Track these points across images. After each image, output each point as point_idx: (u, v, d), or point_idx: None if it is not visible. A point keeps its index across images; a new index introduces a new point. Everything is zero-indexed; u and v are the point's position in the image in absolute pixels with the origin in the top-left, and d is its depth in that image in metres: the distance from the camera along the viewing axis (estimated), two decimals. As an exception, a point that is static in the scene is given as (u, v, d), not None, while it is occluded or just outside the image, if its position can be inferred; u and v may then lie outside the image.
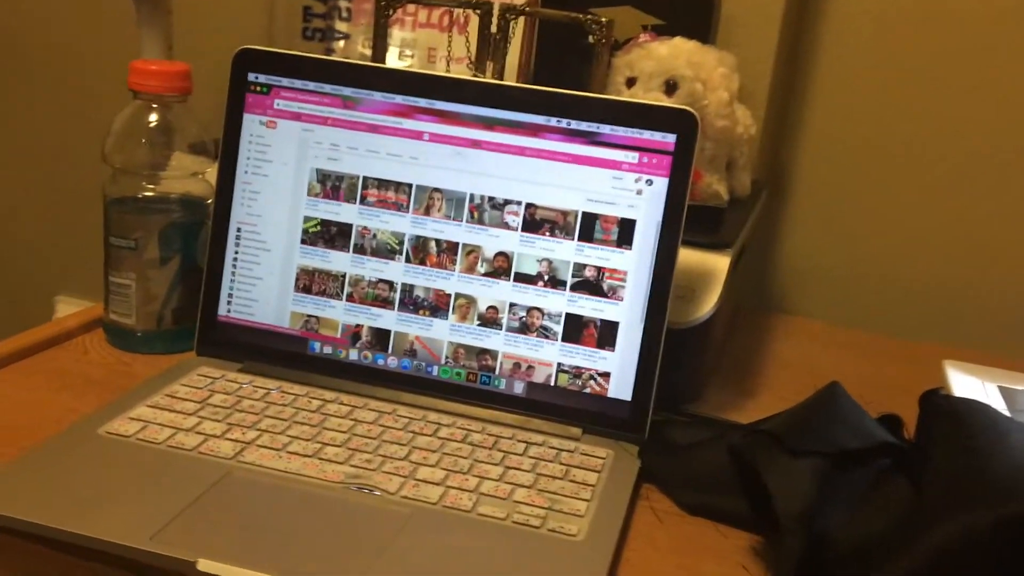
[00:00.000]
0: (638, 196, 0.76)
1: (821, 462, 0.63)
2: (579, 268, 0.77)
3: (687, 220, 0.76)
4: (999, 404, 0.80)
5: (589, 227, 0.77)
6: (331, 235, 0.81)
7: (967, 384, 0.82)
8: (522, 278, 0.78)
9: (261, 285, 0.82)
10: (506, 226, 0.78)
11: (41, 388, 0.79)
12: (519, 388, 0.79)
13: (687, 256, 0.81)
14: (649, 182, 0.76)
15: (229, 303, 0.83)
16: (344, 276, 0.81)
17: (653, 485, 0.73)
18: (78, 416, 0.73)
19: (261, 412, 0.74)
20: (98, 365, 0.84)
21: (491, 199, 0.78)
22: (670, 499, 0.72)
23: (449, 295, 0.80)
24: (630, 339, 0.76)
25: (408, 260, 0.80)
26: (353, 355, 0.81)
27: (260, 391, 0.78)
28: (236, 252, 0.83)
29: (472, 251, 0.79)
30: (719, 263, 0.82)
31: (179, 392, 0.76)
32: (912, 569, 0.56)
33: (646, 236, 0.76)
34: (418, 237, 0.80)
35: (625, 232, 0.76)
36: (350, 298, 0.81)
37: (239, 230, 0.83)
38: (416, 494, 0.66)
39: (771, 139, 1.14)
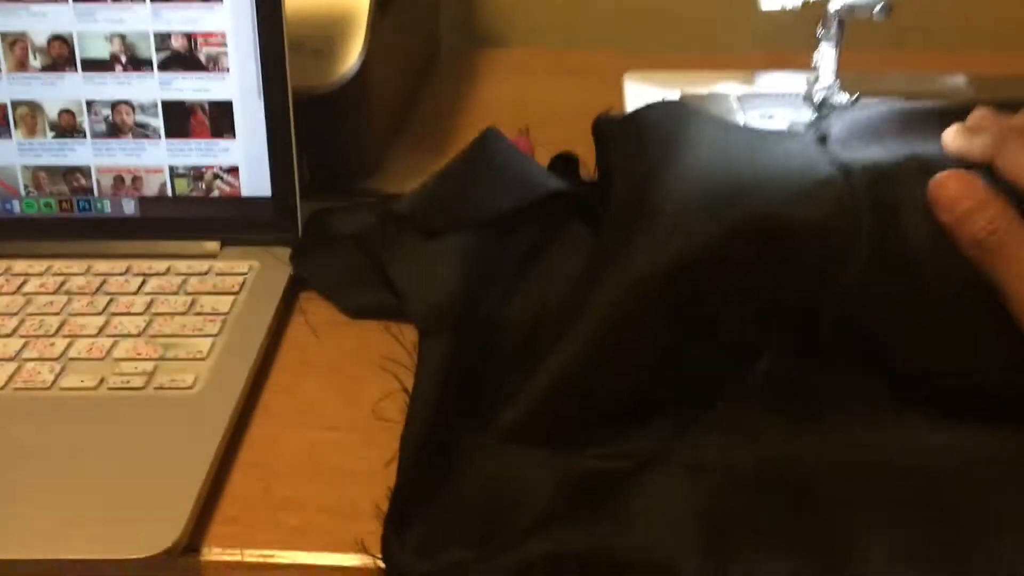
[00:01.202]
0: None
1: (466, 237, 0.51)
2: (163, 40, 0.59)
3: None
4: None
5: (163, -19, 0.58)
6: None
7: (646, 98, 0.71)
8: (93, 65, 0.59)
9: None
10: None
11: None
12: (130, 207, 0.62)
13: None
14: (224, -95, 0.57)
15: None
16: None
17: (314, 291, 0.60)
18: None
19: None
20: None
21: (21, -37, 0.57)
22: (334, 304, 0.60)
23: (4, 105, 0.60)
24: (251, 120, 0.60)
25: (-64, 67, 0.59)
26: (-98, 207, 0.62)
27: None
28: None
29: (16, 40, 0.59)
30: (359, 2, 0.65)
31: None
32: (584, 339, 0.46)
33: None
34: None
35: (211, -20, 0.58)
36: None
37: None
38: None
39: None
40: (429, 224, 0.53)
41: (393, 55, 0.75)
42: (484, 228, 0.54)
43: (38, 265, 0.59)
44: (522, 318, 0.51)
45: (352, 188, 0.70)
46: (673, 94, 0.73)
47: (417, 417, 0.47)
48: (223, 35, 0.59)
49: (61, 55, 0.59)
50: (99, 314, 0.55)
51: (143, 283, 0.58)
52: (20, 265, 0.60)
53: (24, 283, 0.58)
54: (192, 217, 0.62)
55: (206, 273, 0.59)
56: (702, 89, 0.74)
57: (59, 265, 0.60)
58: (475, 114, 0.86)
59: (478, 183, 0.56)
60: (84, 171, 0.61)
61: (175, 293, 0.57)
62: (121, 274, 0.59)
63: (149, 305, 0.56)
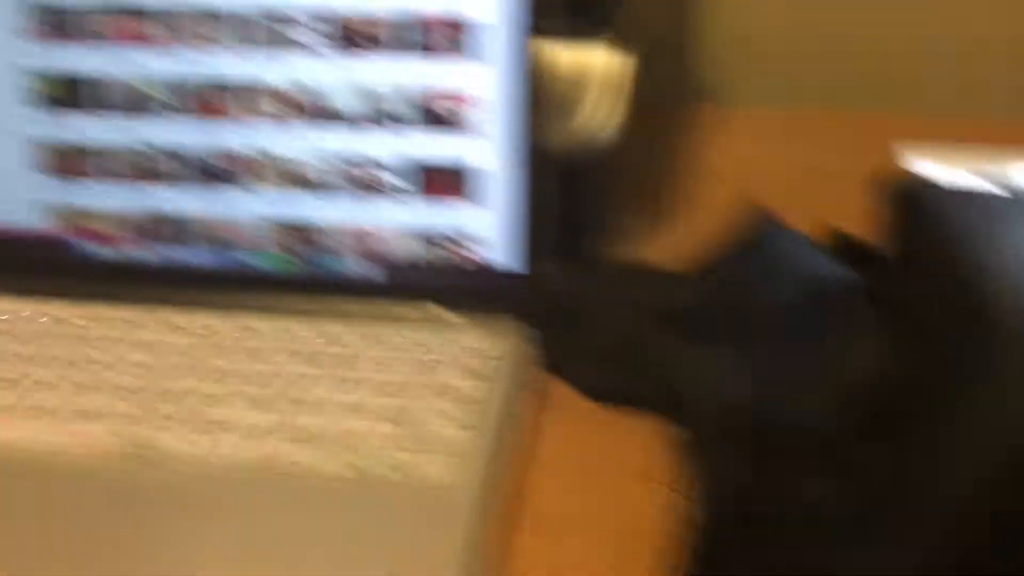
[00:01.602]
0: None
1: (750, 336, 0.45)
2: (415, 95, 0.55)
3: None
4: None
5: (411, 34, 0.54)
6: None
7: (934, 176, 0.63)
8: (336, 117, 0.56)
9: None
10: (299, 46, 0.55)
11: None
12: (369, 269, 0.58)
13: (569, 55, 0.59)
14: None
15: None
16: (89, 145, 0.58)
17: (562, 375, 0.55)
18: None
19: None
20: None
21: (267, 13, 0.55)
22: (584, 392, 0.54)
23: (244, 153, 0.57)
24: (504, 185, 0.56)
25: (172, 109, 0.57)
26: (132, 254, 0.60)
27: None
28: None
29: (259, 89, 0.56)
30: (617, 59, 0.61)
31: None
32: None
33: (499, 35, 0.54)
34: (183, 77, 0.57)
35: (468, 33, 0.54)
36: (105, 173, 0.59)
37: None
38: (215, 452, 0.48)
39: None
40: (706, 327, 0.47)
41: (635, 116, 0.70)
42: (768, 326, 0.48)
43: (271, 324, 0.57)
44: (819, 426, 0.44)
45: (589, 254, 0.65)
46: (964, 175, 0.65)
47: (703, 550, 0.41)
48: (480, 93, 0.55)
49: (303, 104, 0.56)
50: (337, 385, 0.52)
51: (380, 352, 0.54)
52: (257, 323, 0.57)
53: (256, 345, 0.55)
54: (434, 284, 0.58)
55: (449, 348, 0.55)
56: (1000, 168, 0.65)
57: (296, 328, 0.56)
58: (707, 176, 0.80)
59: (758, 276, 0.50)
60: (324, 228, 0.58)
61: (415, 366, 0.53)
62: (358, 340, 0.55)
63: (388, 379, 0.52)
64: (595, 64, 0.59)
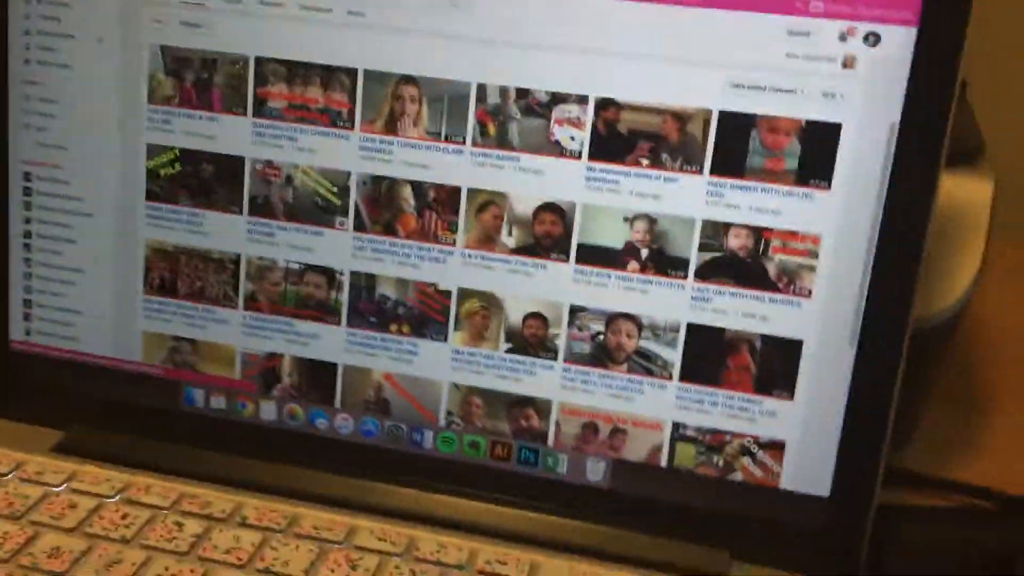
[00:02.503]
0: (844, 74, 0.35)
1: None
2: (714, 232, 0.37)
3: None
4: None
5: (734, 144, 0.37)
6: (203, 179, 0.41)
7: None
8: (595, 255, 0.39)
9: (83, 284, 0.43)
10: (557, 149, 0.38)
11: None
12: (596, 473, 0.40)
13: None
14: (872, 39, 0.35)
15: (28, 319, 0.44)
16: (236, 261, 0.41)
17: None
18: None
19: (70, 571, 0.35)
20: None
21: (523, 94, 0.38)
22: None
23: (446, 293, 0.40)
24: (828, 374, 0.37)
25: (361, 226, 0.40)
26: (267, 412, 0.42)
27: (81, 503, 0.38)
28: (28, 222, 0.43)
29: (488, 203, 0.39)
30: (979, 191, 0.42)
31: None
32: None
33: (864, 157, 0.36)
34: (377, 180, 0.40)
35: (816, 151, 0.36)
36: (252, 304, 0.42)
37: (28, 178, 0.43)
38: None
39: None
40: None
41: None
42: None
43: (454, 544, 0.38)
44: None
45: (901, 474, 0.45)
46: None
47: None
48: (816, 239, 0.36)
49: (550, 234, 0.38)
50: None
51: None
52: (427, 541, 0.38)
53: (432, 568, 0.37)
54: (689, 506, 0.39)
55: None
56: None
57: (486, 551, 0.38)
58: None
59: None
60: (541, 407, 0.40)
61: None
62: (584, 590, 0.36)
63: None
64: (956, 199, 0.41)
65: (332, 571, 0.36)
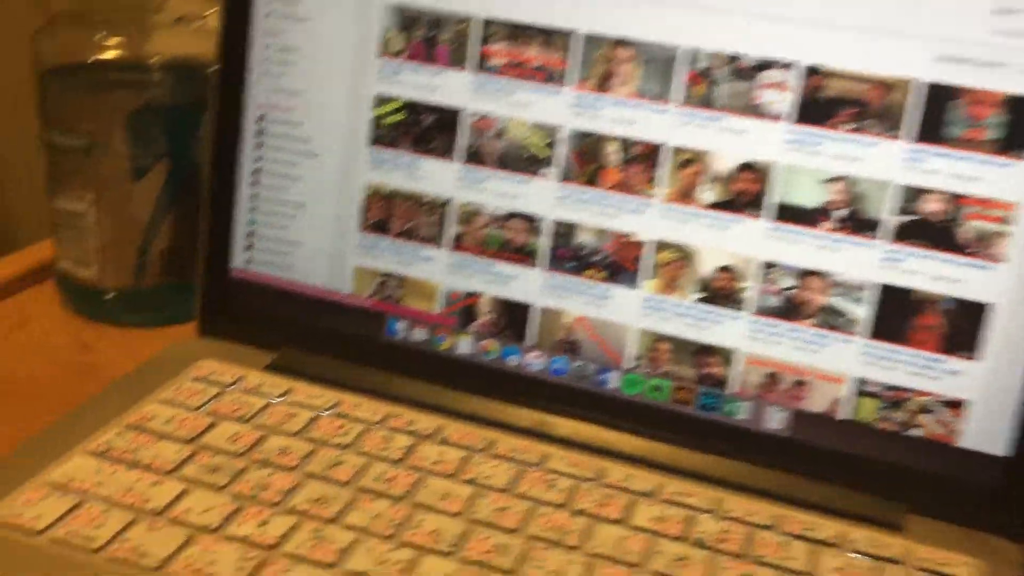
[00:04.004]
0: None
1: None
2: (912, 197, 0.39)
3: None
4: None
5: (937, 114, 0.39)
6: (423, 129, 0.45)
7: None
8: (791, 214, 0.41)
9: (303, 218, 0.47)
10: (759, 112, 0.41)
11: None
12: (775, 421, 0.42)
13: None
14: (1085, 16, 0.37)
15: (249, 248, 0.48)
16: (446, 204, 0.45)
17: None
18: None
19: (300, 466, 0.40)
20: (40, 348, 0.51)
21: (733, 59, 0.41)
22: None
23: (642, 244, 0.43)
24: (1014, 336, 0.39)
25: (566, 177, 0.43)
26: (464, 347, 0.46)
27: (299, 414, 0.43)
28: (259, 159, 0.47)
29: (690, 161, 0.42)
30: None
31: (149, 420, 0.41)
32: None
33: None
34: (584, 135, 0.43)
35: (1017, 123, 0.38)
36: (459, 244, 0.45)
37: (262, 120, 0.47)
38: None
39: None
40: None
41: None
42: None
43: (639, 480, 0.41)
44: None
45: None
46: None
47: None
48: (1011, 207, 0.38)
49: (747, 192, 0.41)
50: (761, 604, 0.35)
51: (795, 551, 0.38)
52: (615, 472, 0.41)
53: (630, 507, 0.39)
54: (867, 458, 0.41)
55: (895, 562, 0.38)
56: None
57: (671, 487, 0.41)
58: None
59: None
60: (726, 355, 0.42)
61: (863, 589, 0.36)
62: (762, 527, 0.39)
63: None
64: None
65: (531, 487, 0.40)
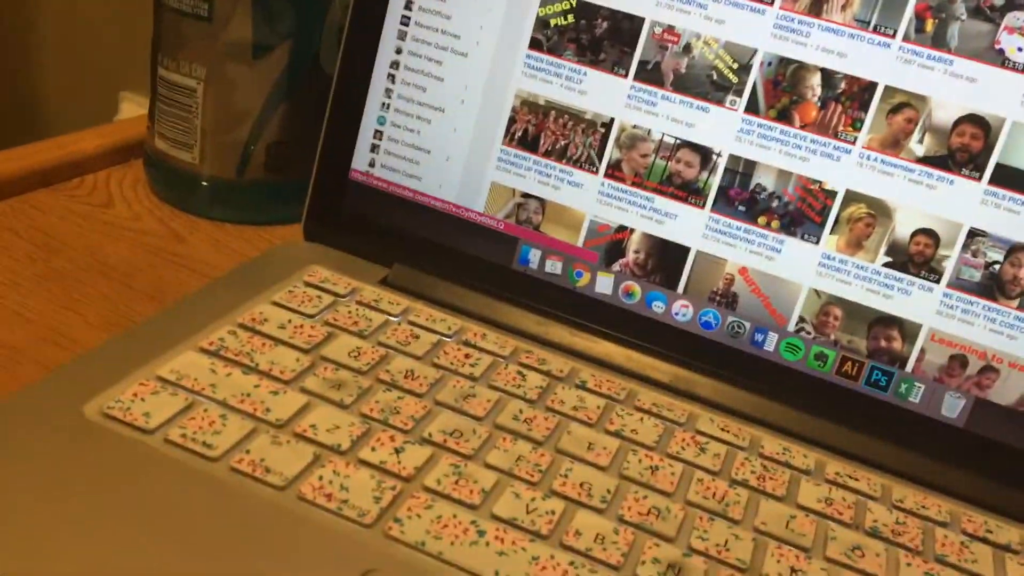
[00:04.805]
0: None
1: None
2: None
3: None
4: None
5: None
6: (595, 36, 0.40)
7: None
8: (1013, 179, 0.36)
9: (441, 124, 0.42)
10: (1000, 58, 0.35)
11: (6, 281, 0.42)
12: (953, 410, 0.38)
13: None
14: None
15: (374, 151, 0.44)
16: (609, 125, 0.40)
17: None
18: (55, 368, 0.36)
19: (430, 392, 0.36)
20: (128, 231, 0.46)
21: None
22: None
23: (831, 194, 0.38)
24: None
25: (752, 109, 0.38)
26: (603, 286, 0.41)
27: (423, 336, 0.39)
28: (399, 52, 0.43)
29: (904, 105, 0.37)
30: None
31: (261, 322, 0.37)
32: None
33: None
34: (784, 61, 0.38)
35: None
36: (614, 173, 0.41)
37: (409, 6, 0.42)
38: None
39: None
40: None
41: None
42: None
43: (798, 454, 0.37)
44: None
45: None
46: None
47: None
48: None
49: (967, 148, 0.36)
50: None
51: (978, 553, 0.33)
52: (769, 443, 0.37)
53: (787, 483, 0.35)
54: (1056, 461, 0.37)
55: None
56: None
57: (833, 464, 0.36)
58: None
59: None
60: (908, 330, 0.38)
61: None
62: (938, 523, 0.35)
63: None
64: None
65: (682, 448, 0.35)
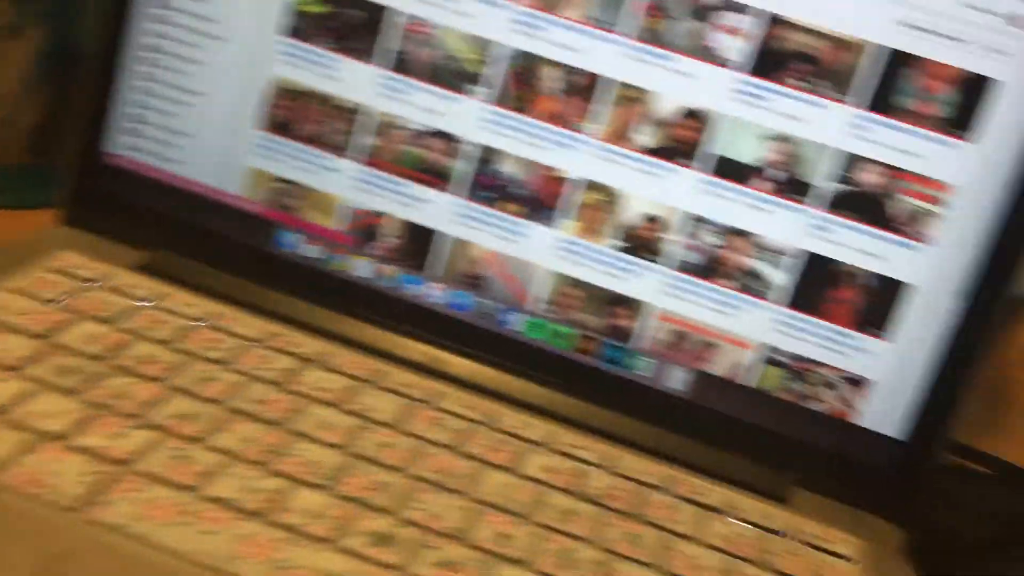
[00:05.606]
0: (1013, 32, 0.36)
1: None
2: (847, 164, 0.38)
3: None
4: None
5: (889, 81, 0.37)
6: (347, 25, 0.41)
7: None
8: (727, 169, 0.39)
9: (198, 108, 0.42)
10: (711, 55, 0.38)
11: None
12: (676, 381, 0.41)
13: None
14: (1047, 3, 0.36)
15: (131, 134, 0.43)
16: (361, 113, 0.41)
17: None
18: None
19: (167, 378, 0.35)
20: None
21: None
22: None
23: (567, 181, 0.40)
24: (928, 323, 0.38)
25: (499, 100, 0.40)
26: (361, 269, 0.43)
27: (171, 321, 0.39)
28: (157, 36, 0.42)
29: (631, 100, 0.39)
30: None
31: (3, 307, 0.37)
32: None
33: (1017, 118, 0.36)
34: (524, 55, 0.40)
35: (969, 103, 0.37)
36: (372, 159, 0.41)
37: (162, -10, 0.42)
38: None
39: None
40: None
41: None
42: None
43: (535, 428, 0.39)
44: None
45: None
46: None
47: None
48: (948, 189, 0.37)
49: (686, 140, 0.39)
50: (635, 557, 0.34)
51: (682, 514, 0.36)
52: (508, 418, 0.39)
53: (519, 456, 0.37)
54: (764, 428, 0.40)
55: (779, 533, 0.37)
56: None
57: (563, 438, 0.38)
58: None
59: None
60: (637, 309, 0.40)
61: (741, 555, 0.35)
62: (652, 487, 0.37)
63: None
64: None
65: (420, 425, 0.37)
